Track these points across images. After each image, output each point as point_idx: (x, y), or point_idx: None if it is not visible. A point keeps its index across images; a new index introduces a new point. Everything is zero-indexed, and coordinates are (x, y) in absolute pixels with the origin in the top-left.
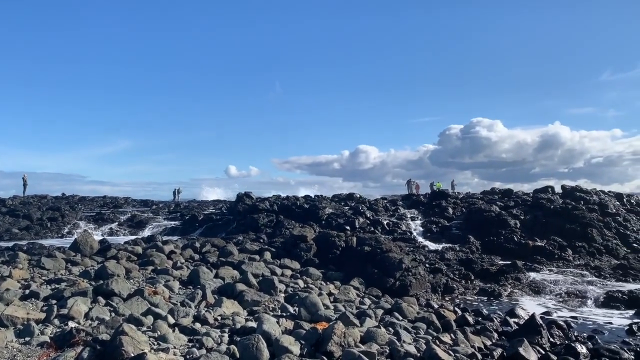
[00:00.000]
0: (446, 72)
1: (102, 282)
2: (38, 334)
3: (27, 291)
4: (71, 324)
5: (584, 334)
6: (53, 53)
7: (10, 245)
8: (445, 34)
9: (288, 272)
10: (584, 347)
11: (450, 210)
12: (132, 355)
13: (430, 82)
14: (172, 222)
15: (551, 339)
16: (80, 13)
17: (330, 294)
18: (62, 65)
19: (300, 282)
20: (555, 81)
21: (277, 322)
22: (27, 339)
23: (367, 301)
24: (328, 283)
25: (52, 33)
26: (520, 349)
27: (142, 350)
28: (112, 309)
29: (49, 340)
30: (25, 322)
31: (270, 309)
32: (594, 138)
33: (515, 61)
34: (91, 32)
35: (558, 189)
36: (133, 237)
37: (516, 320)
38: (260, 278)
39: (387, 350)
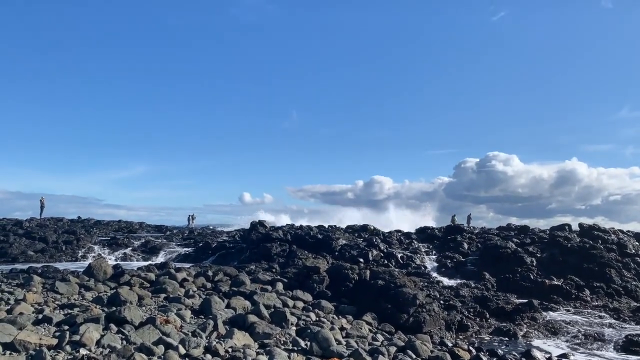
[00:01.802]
0: (462, 104)
1: (114, 308)
2: None
3: (40, 316)
4: (83, 352)
5: None
6: (72, 73)
7: (25, 267)
8: (460, 67)
9: (300, 304)
10: None
11: (466, 246)
12: None
13: (447, 115)
14: (185, 249)
15: None
16: (97, 31)
17: (342, 328)
18: (81, 86)
19: (312, 315)
20: (573, 117)
21: (288, 357)
22: None
23: (380, 337)
24: (340, 317)
25: (69, 53)
26: None
27: None
28: (123, 337)
29: None
30: (38, 348)
31: (282, 342)
32: (612, 175)
33: (532, 96)
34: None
35: (575, 226)
36: (146, 263)
37: None
38: (272, 309)
39: None
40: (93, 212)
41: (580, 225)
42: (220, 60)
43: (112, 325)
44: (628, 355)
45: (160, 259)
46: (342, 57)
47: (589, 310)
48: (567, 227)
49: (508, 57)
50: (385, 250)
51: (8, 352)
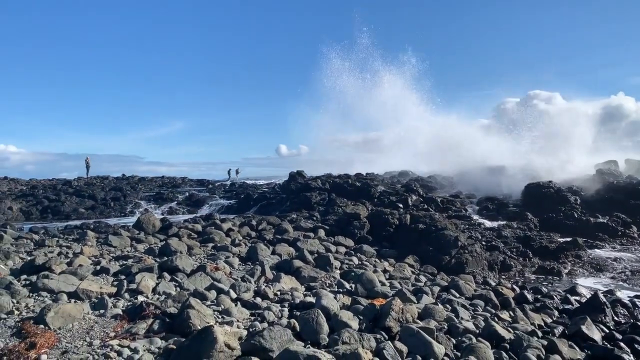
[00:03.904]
0: (500, 43)
1: (166, 258)
2: (111, 307)
3: (98, 267)
4: (141, 298)
5: None
6: (113, 39)
7: (78, 224)
8: (501, 4)
9: (342, 250)
10: None
11: (508, 186)
12: (199, 327)
13: (484, 54)
14: (228, 201)
15: (615, 318)
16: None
17: (385, 271)
18: (119, 50)
19: (355, 259)
20: (617, 49)
21: (335, 298)
22: (102, 311)
23: (423, 278)
24: (382, 260)
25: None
26: (583, 327)
27: (208, 322)
28: (177, 284)
29: (121, 313)
30: (99, 296)
31: (327, 284)
32: None
33: (573, 30)
34: (146, 21)
35: (621, 164)
36: (192, 216)
37: (577, 298)
38: (316, 255)
39: (446, 327)
40: (136, 170)
41: (626, 161)
42: (255, 13)
43: (165, 274)
44: None
45: (204, 211)
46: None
47: (635, 247)
48: (612, 163)
49: None
50: (425, 195)
51: (73, 300)
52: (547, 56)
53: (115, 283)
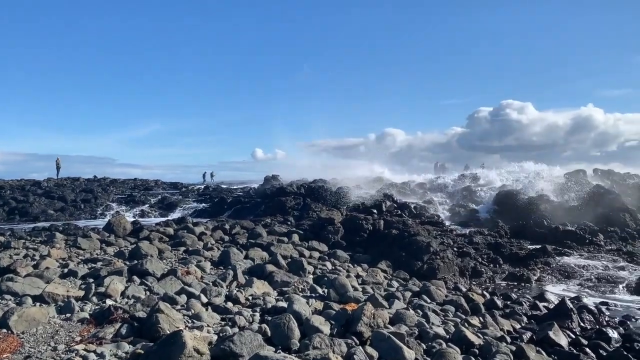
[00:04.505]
0: (475, 52)
1: (136, 262)
2: (78, 311)
3: (66, 270)
4: (109, 302)
5: (616, 319)
6: (85, 38)
7: (47, 225)
8: (473, 14)
9: (316, 254)
10: (615, 332)
11: (480, 194)
12: (168, 332)
13: (459, 63)
14: (202, 205)
15: (582, 324)
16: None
17: (358, 276)
18: (93, 50)
19: (328, 264)
20: (589, 62)
21: (307, 303)
22: (68, 315)
23: (395, 284)
24: (356, 265)
25: (84, 20)
26: (551, 333)
27: (178, 327)
28: (146, 288)
29: (88, 317)
30: (66, 299)
31: (300, 289)
32: (628, 121)
33: (547, 41)
34: (123, 19)
35: (590, 173)
36: (164, 219)
37: (546, 304)
38: (289, 259)
39: (416, 332)
40: (108, 172)
41: (594, 170)
42: (232, 16)
43: (135, 278)
44: None
45: (177, 214)
46: (352, 9)
47: (602, 254)
48: (581, 173)
49: (522, 2)
50: (398, 201)
51: (38, 303)
52: (521, 67)
53: (83, 286)
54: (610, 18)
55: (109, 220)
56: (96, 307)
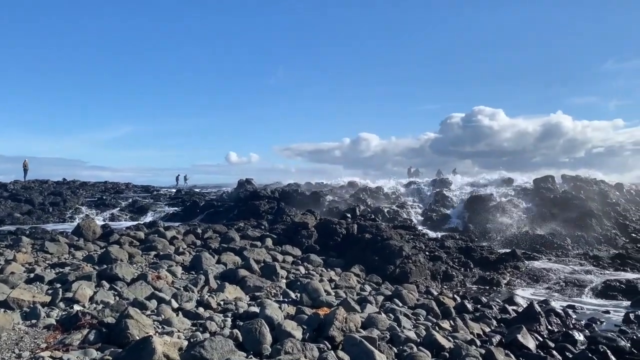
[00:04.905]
0: (448, 59)
1: (105, 266)
2: (44, 317)
3: (32, 275)
4: (76, 307)
5: (582, 322)
6: (55, 37)
7: (13, 229)
8: (447, 21)
9: (289, 259)
10: (581, 334)
11: (451, 199)
12: (138, 337)
13: (433, 70)
14: (174, 208)
15: (549, 327)
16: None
17: (331, 280)
18: (64, 49)
19: (302, 269)
20: (558, 70)
21: (279, 308)
22: (34, 321)
23: (368, 288)
24: (329, 270)
25: (53, 18)
26: (519, 336)
27: (147, 333)
28: (116, 293)
29: (55, 323)
30: (32, 305)
31: (272, 294)
32: (595, 128)
33: (518, 49)
34: (92, 19)
35: (559, 179)
36: (134, 223)
37: (515, 308)
38: (262, 264)
39: (388, 336)
40: (78, 174)
41: (563, 176)
42: (204, 18)
43: (104, 282)
44: (605, 300)
45: (148, 218)
46: (328, 13)
47: (570, 259)
48: (550, 179)
49: (494, 11)
50: (372, 205)
51: (2, 309)
52: (493, 73)
53: (50, 292)
54: (579, 27)
55: (78, 223)
56: (63, 313)
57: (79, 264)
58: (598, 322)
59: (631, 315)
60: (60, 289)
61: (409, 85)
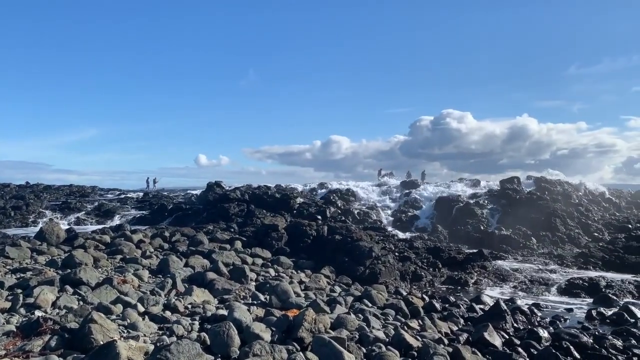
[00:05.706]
0: (418, 63)
1: (69, 271)
2: (3, 324)
3: None
4: (38, 313)
5: (546, 320)
6: (13, 37)
7: None
8: (416, 26)
9: (259, 261)
10: (545, 331)
11: (420, 200)
12: (102, 342)
13: (403, 73)
14: (141, 212)
15: (515, 324)
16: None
17: (301, 282)
18: (26, 49)
19: (272, 271)
20: (524, 74)
21: (248, 310)
22: None
23: (338, 289)
24: (299, 271)
25: (20, 18)
26: (485, 334)
27: (112, 337)
28: (80, 297)
29: (15, 330)
30: None
31: (241, 297)
32: (560, 130)
33: (486, 54)
34: (52, 18)
35: (524, 180)
36: (100, 227)
37: (482, 306)
38: (231, 267)
39: (357, 336)
40: (42, 178)
41: (528, 177)
42: (173, 19)
43: (68, 287)
44: (569, 298)
45: (115, 222)
46: (299, 16)
47: (535, 258)
48: (516, 180)
49: (461, 16)
50: (342, 207)
51: None
52: (461, 77)
53: (10, 297)
54: (545, 33)
55: (41, 227)
56: (24, 319)
57: (41, 268)
58: (562, 320)
59: (593, 312)
60: (21, 295)
61: (379, 88)
